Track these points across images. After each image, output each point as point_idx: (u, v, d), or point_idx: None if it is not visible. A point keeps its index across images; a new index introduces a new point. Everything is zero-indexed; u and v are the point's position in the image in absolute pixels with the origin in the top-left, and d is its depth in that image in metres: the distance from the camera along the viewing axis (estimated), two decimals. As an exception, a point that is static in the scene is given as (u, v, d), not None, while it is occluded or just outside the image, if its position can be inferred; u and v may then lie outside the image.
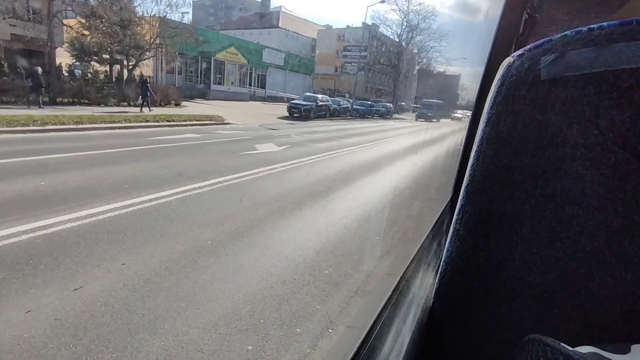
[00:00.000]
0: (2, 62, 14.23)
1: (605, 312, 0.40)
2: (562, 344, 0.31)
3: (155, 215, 4.40)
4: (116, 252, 3.43)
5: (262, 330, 2.60)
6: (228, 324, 2.63)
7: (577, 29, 0.40)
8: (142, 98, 15.34)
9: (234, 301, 2.90)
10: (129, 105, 16.86)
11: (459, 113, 35.64)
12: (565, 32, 0.40)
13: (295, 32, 49.84)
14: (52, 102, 14.38)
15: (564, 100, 0.40)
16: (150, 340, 2.39)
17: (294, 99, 24.96)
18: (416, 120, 34.70)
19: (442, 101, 37.60)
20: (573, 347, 0.30)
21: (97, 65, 19.96)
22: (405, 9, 49.50)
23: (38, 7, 17.27)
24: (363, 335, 0.56)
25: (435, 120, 34.66)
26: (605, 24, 0.38)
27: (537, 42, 0.42)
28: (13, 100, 13.04)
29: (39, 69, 13.33)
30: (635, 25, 0.37)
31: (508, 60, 0.44)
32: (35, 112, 11.46)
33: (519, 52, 0.43)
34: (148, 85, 15.72)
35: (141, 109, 15.17)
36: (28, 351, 2.21)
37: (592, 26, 0.39)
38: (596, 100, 0.38)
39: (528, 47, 0.43)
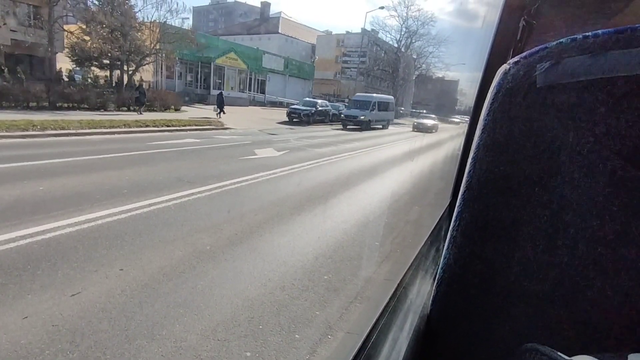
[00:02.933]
0: (2, 68, 14.28)
1: (603, 320, 0.40)
2: (558, 353, 0.30)
3: (154, 221, 4.39)
4: (114, 257, 3.41)
5: (261, 336, 2.59)
6: (227, 330, 2.61)
7: (572, 37, 0.40)
8: (218, 107, 18.61)
9: (232, 307, 2.88)
10: (129, 110, 16.93)
11: (431, 117, 26.21)
12: (561, 40, 0.41)
13: (294, 38, 50.09)
14: (53, 107, 14.41)
15: (560, 107, 0.40)
16: (148, 346, 2.37)
17: (293, 104, 25.02)
18: (344, 128, 21.82)
19: (392, 97, 26.67)
20: (570, 356, 0.30)
21: (97, 71, 20.09)
22: (404, 15, 49.62)
23: (39, 12, 17.40)
24: (359, 344, 0.56)
25: (381, 126, 23.93)
26: (600, 31, 0.38)
27: (533, 50, 0.42)
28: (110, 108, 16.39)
29: (144, 84, 17.64)
30: (630, 33, 0.37)
31: (504, 67, 0.44)
32: (141, 116, 14.91)
33: (515, 59, 0.44)
34: (223, 96, 19.29)
35: (217, 115, 18.47)
36: (25, 357, 2.19)
37: (587, 34, 0.39)
38: (592, 108, 0.38)
39: (524, 54, 0.43)
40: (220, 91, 20.85)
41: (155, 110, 18.02)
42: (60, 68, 18.59)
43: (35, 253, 3.32)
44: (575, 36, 0.40)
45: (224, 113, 18.72)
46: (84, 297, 2.79)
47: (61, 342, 2.33)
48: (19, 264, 3.11)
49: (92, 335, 2.41)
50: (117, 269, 3.22)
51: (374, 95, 24.58)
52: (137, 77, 20.78)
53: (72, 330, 2.43)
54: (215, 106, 18.85)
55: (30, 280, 2.92)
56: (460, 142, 1.51)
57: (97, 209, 4.49)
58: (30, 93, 13.94)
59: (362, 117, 21.73)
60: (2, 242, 3.42)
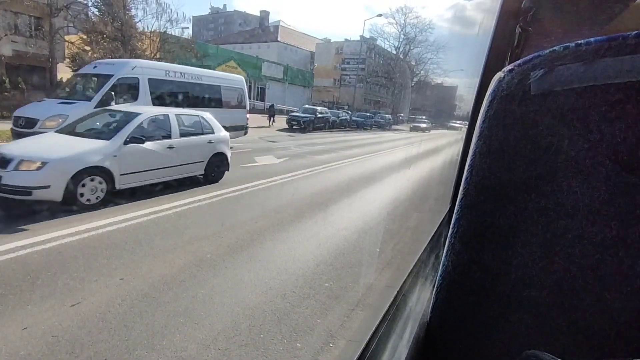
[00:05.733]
0: (4, 78, 14.38)
1: (602, 325, 0.39)
2: (558, 359, 0.30)
3: (154, 229, 4.38)
4: (114, 266, 3.40)
5: (262, 345, 2.56)
6: (227, 339, 2.59)
7: (565, 45, 0.40)
8: (270, 116, 21.97)
9: (233, 316, 2.86)
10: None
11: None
12: (554, 48, 0.41)
13: (294, 46, 50.45)
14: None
15: (554, 114, 0.40)
16: (148, 356, 2.35)
17: (293, 112, 25.13)
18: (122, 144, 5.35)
19: (238, 77, 12.22)
20: None
21: (97, 80, 20.18)
22: (402, 22, 50.09)
23: (40, 24, 17.58)
24: (359, 352, 0.55)
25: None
26: (592, 39, 0.39)
27: (527, 58, 0.43)
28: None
29: (273, 104, 22.75)
30: (622, 41, 0.37)
31: (499, 75, 0.45)
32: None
33: (509, 67, 0.44)
34: (275, 108, 22.83)
35: (269, 124, 21.45)
36: (23, 369, 2.17)
37: (579, 42, 0.39)
38: (585, 114, 0.39)
39: (518, 62, 0.44)
40: (272, 103, 24.32)
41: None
42: (62, 78, 18.68)
43: (35, 263, 3.31)
44: (568, 44, 0.40)
45: (274, 121, 22.10)
46: (83, 307, 2.78)
47: (61, 352, 2.31)
48: (18, 274, 3.10)
49: (91, 345, 2.40)
50: (117, 278, 3.21)
51: (144, 62, 10.10)
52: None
53: (72, 341, 2.42)
54: (268, 115, 22.33)
55: (30, 290, 2.91)
56: (459, 148, 1.51)
57: (97, 218, 4.49)
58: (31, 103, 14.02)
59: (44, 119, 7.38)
60: (2, 252, 3.41)
